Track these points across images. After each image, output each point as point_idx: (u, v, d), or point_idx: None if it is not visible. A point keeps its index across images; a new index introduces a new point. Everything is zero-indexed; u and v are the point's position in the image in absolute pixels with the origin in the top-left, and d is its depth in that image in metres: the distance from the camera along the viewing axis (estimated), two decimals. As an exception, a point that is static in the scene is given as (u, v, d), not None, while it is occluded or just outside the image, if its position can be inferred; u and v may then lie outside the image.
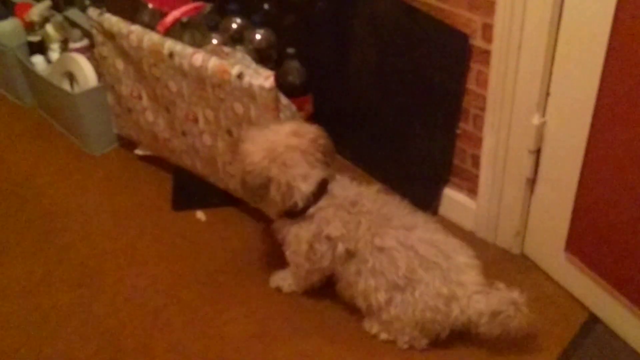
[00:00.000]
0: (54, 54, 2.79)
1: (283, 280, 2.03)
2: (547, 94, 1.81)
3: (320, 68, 2.23)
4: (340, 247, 1.78)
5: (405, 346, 1.85)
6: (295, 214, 1.80)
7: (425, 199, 1.93)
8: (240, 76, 1.92)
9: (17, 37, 2.84)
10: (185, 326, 1.96)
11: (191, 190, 2.42)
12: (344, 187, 1.82)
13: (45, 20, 2.85)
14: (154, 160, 2.54)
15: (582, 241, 1.89)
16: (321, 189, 1.78)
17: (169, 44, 2.07)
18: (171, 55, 2.06)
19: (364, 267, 1.78)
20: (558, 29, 1.71)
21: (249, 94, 1.92)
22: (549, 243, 2.00)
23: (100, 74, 2.50)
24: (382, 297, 1.77)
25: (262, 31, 2.25)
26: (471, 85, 1.99)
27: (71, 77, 2.66)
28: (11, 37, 2.82)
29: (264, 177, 1.74)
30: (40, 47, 2.83)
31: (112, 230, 2.31)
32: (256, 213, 2.25)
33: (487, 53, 1.89)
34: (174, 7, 2.26)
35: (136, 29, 2.16)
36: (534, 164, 1.93)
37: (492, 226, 2.14)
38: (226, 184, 2.24)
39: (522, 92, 1.85)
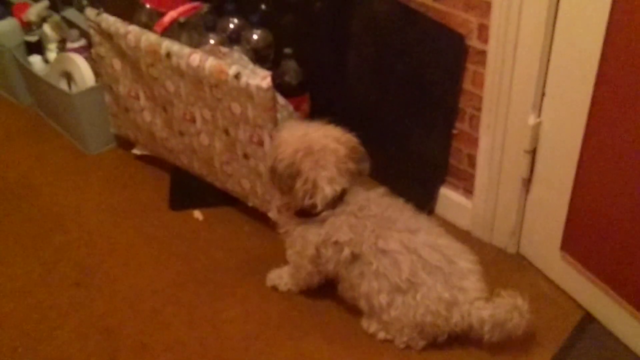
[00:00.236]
0: (52, 53, 2.79)
1: (279, 278, 2.04)
2: (543, 94, 1.82)
3: (317, 68, 2.23)
4: (346, 251, 1.78)
5: (403, 346, 1.85)
6: (309, 214, 1.80)
7: (421, 199, 1.94)
8: (237, 76, 1.92)
9: (15, 37, 2.84)
10: (183, 325, 1.96)
11: (189, 189, 2.43)
12: (356, 194, 1.82)
13: (43, 20, 2.86)
14: (152, 160, 2.54)
15: (577, 240, 1.90)
16: (341, 197, 1.79)
17: (167, 44, 2.08)
18: (168, 55, 2.06)
19: (368, 270, 1.78)
20: (553, 29, 1.71)
21: (246, 94, 1.93)
22: (544, 242, 2.01)
23: (97, 74, 2.50)
24: (384, 299, 1.78)
25: (259, 31, 2.25)
26: (467, 85, 1.99)
27: (69, 77, 2.66)
28: (9, 37, 2.83)
29: (295, 169, 1.74)
30: (37, 47, 2.83)
31: (109, 229, 2.31)
32: (253, 213, 2.25)
33: (483, 53, 1.90)
34: (171, 7, 2.26)
35: (134, 29, 2.17)
36: (530, 164, 1.93)
37: (488, 225, 2.15)
38: (223, 184, 2.25)
39: (517, 92, 1.85)
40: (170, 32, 2.20)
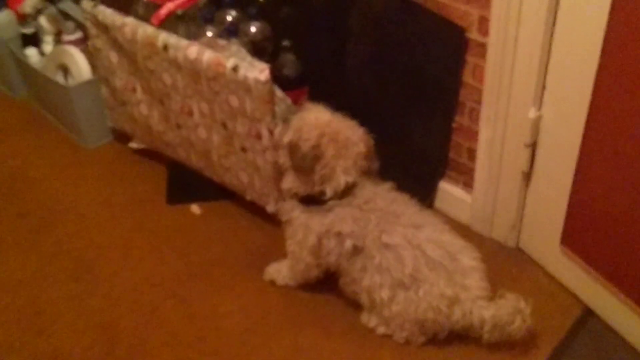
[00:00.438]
0: (48, 46, 2.79)
1: (277, 272, 2.03)
2: (543, 87, 1.82)
3: (315, 61, 2.23)
4: (348, 243, 1.79)
5: (402, 341, 1.85)
6: (315, 201, 1.81)
7: (421, 193, 1.94)
8: (235, 69, 1.92)
9: (11, 29, 2.83)
10: (181, 320, 1.96)
11: (186, 183, 2.42)
12: (363, 187, 1.82)
13: (39, 12, 2.85)
14: (149, 154, 2.54)
15: (577, 235, 1.90)
16: (350, 189, 1.80)
17: (164, 37, 2.07)
18: (165, 47, 2.05)
19: (370, 264, 1.78)
20: (554, 22, 1.71)
21: (244, 86, 1.92)
22: (544, 236, 2.01)
23: (94, 67, 2.49)
24: (385, 294, 1.78)
25: (257, 24, 2.24)
26: (467, 78, 1.99)
27: (65, 70, 2.65)
28: (4, 29, 2.82)
29: (319, 151, 1.76)
30: (33, 40, 2.82)
31: (106, 224, 2.31)
32: (251, 206, 2.25)
33: (483, 46, 1.90)
34: (168, 0, 2.25)
35: (130, 21, 2.16)
36: (530, 158, 1.93)
37: (487, 219, 2.15)
38: (221, 177, 2.24)
39: (518, 85, 1.85)
40: (167, 24, 2.19)
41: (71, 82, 2.61)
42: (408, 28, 2.06)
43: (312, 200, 1.82)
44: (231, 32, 2.21)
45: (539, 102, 1.84)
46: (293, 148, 1.78)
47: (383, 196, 1.83)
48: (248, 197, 2.21)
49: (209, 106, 2.08)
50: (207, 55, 1.97)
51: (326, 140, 1.76)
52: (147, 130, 2.38)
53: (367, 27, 2.19)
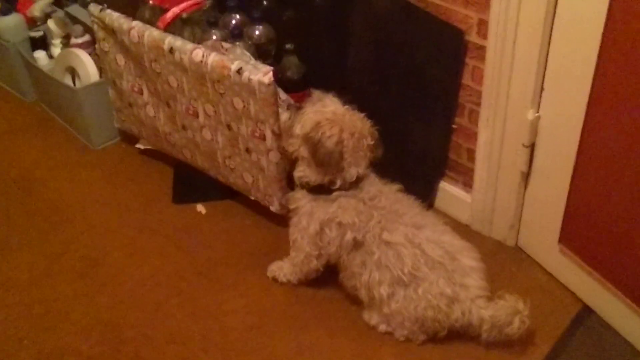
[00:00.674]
0: (56, 49, 2.81)
1: (279, 269, 2.05)
2: (542, 89, 1.83)
3: (318, 63, 2.24)
4: (349, 235, 1.80)
5: (403, 339, 1.87)
6: (324, 190, 1.83)
7: (421, 193, 1.95)
8: (239, 71, 1.94)
9: (20, 32, 2.85)
10: (186, 317, 1.98)
11: (191, 183, 2.44)
12: (371, 183, 1.85)
13: (47, 16, 2.87)
14: (155, 154, 2.56)
15: (575, 234, 1.91)
16: (357, 181, 1.82)
17: (169, 40, 2.09)
18: (171, 50, 2.08)
19: (370, 259, 1.80)
20: (552, 24, 1.72)
21: (248, 89, 1.94)
22: (543, 235, 2.02)
23: (101, 69, 2.51)
24: (384, 290, 1.79)
25: (261, 27, 2.26)
26: (467, 80, 2.01)
27: (73, 72, 2.67)
28: (14, 32, 2.84)
29: (341, 147, 1.77)
30: (42, 43, 2.84)
31: (113, 223, 2.33)
32: (255, 206, 2.27)
33: (482, 49, 1.91)
34: (174, 3, 2.27)
35: (137, 24, 2.18)
36: (529, 158, 1.94)
37: (487, 219, 2.16)
38: (226, 178, 2.26)
39: (516, 87, 1.86)
40: (173, 27, 2.21)
41: (79, 84, 2.64)
42: (408, 31, 2.08)
43: (322, 189, 1.84)
44: (235, 35, 2.22)
45: (537, 103, 1.86)
46: (316, 145, 1.76)
47: (388, 196, 1.85)
48: (252, 197, 2.23)
49: (214, 108, 2.10)
50: (212, 58, 1.99)
51: (347, 136, 1.77)
52: (154, 132, 2.41)
53: (368, 30, 2.20)
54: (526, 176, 1.99)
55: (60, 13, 2.84)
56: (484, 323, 1.75)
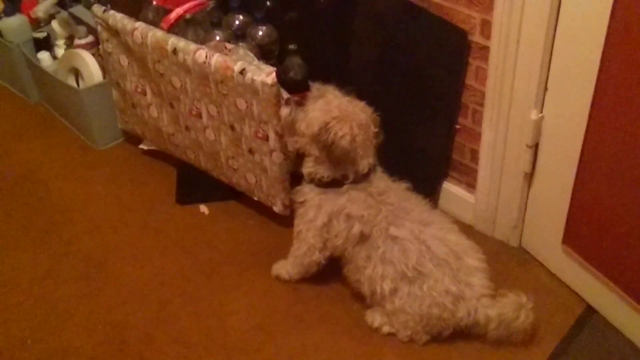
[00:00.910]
0: (60, 50, 2.81)
1: (282, 267, 2.05)
2: (545, 89, 1.83)
3: (321, 64, 2.25)
4: (356, 228, 1.80)
5: (406, 340, 1.87)
6: (337, 184, 1.83)
7: (425, 193, 1.96)
8: (242, 72, 1.94)
9: (24, 33, 2.86)
10: (189, 317, 1.98)
11: (195, 184, 2.44)
12: (380, 179, 1.85)
13: (51, 17, 2.88)
14: (158, 155, 2.56)
15: (579, 234, 1.91)
16: (367, 173, 1.82)
17: (173, 41, 2.09)
18: (175, 51, 2.08)
19: (375, 254, 1.80)
20: (556, 25, 1.73)
21: (252, 89, 1.95)
22: (546, 236, 2.02)
23: (105, 70, 2.52)
24: (387, 285, 1.79)
25: (264, 28, 2.26)
26: (470, 81, 2.01)
27: (77, 73, 2.68)
28: (17, 33, 2.85)
29: (355, 143, 1.76)
30: (46, 44, 2.85)
31: (117, 223, 2.34)
32: (258, 206, 2.27)
33: (486, 49, 1.91)
34: (177, 4, 2.27)
35: (140, 25, 2.18)
36: (532, 159, 1.95)
37: (490, 219, 2.16)
38: (229, 178, 2.27)
39: (520, 87, 1.87)
40: (177, 28, 2.22)
41: (83, 85, 2.64)
42: (411, 31, 2.08)
43: (334, 184, 1.83)
44: (239, 36, 2.23)
45: (541, 103, 1.86)
46: (331, 146, 1.76)
47: (397, 192, 1.85)
48: (255, 198, 2.23)
49: (217, 109, 2.10)
50: (215, 59, 2.00)
51: (356, 132, 1.76)
52: (157, 132, 2.41)
53: (371, 31, 2.21)
54: (530, 176, 1.99)
55: (64, 14, 2.85)
56: (491, 322, 1.75)
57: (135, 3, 2.36)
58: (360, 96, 1.86)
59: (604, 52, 1.62)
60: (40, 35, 2.85)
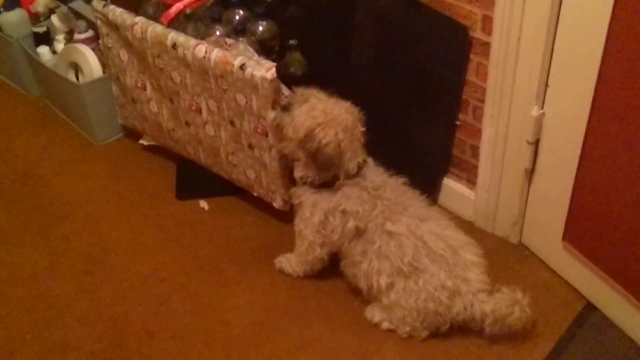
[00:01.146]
0: (60, 44, 2.81)
1: (287, 261, 2.06)
2: (546, 85, 1.83)
3: (321, 60, 2.24)
4: (351, 223, 1.81)
5: (405, 336, 1.87)
6: (328, 185, 1.84)
7: (424, 189, 1.96)
8: (242, 67, 1.94)
9: (23, 27, 2.86)
10: (188, 313, 1.98)
11: (195, 179, 2.45)
12: (375, 173, 1.86)
13: (51, 11, 2.88)
14: (158, 150, 2.56)
15: (579, 230, 1.91)
16: (359, 169, 1.83)
17: (173, 36, 2.09)
18: (175, 46, 2.08)
19: (371, 248, 1.81)
20: (557, 21, 1.72)
21: (251, 85, 1.94)
22: (546, 232, 2.02)
23: (105, 65, 2.52)
24: (383, 280, 1.80)
25: (264, 23, 2.26)
26: (471, 77, 2.01)
27: (76, 68, 2.68)
28: (17, 27, 2.85)
29: (340, 148, 1.77)
30: (45, 38, 2.85)
31: (116, 219, 2.34)
32: (258, 202, 2.27)
33: (487, 45, 1.91)
34: (177, -1, 2.27)
35: (140, 20, 2.18)
36: (533, 155, 1.94)
37: (490, 216, 2.16)
38: (229, 174, 2.27)
39: (521, 83, 1.86)
40: (177, 23, 2.21)
41: (82, 80, 2.64)
42: (412, 27, 2.07)
43: (326, 185, 1.85)
44: (239, 31, 2.22)
45: (542, 100, 1.86)
46: (316, 153, 1.77)
47: (393, 187, 1.86)
48: (255, 193, 2.23)
49: (217, 104, 2.10)
50: (215, 54, 1.99)
51: (341, 137, 1.77)
52: (157, 128, 2.41)
53: (371, 26, 2.20)
54: (530, 173, 1.99)
55: (63, 8, 2.85)
56: (486, 317, 1.75)
57: (135, -2, 2.36)
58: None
59: (605, 48, 1.62)
60: (40, 29, 2.84)
